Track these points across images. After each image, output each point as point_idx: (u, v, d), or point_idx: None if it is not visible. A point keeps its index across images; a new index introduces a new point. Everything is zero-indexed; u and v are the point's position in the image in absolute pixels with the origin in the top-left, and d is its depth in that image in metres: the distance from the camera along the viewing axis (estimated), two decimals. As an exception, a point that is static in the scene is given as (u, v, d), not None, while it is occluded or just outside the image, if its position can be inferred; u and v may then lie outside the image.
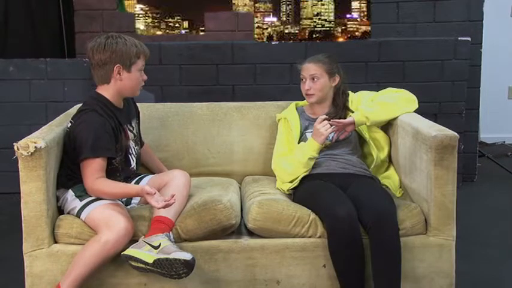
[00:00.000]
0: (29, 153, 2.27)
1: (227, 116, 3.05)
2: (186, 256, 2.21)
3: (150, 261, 2.21)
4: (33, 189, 2.31)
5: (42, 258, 2.37)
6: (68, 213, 2.46)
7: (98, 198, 2.39)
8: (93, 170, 2.36)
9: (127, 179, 2.59)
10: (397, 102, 2.73)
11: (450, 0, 4.40)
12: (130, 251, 2.26)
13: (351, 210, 2.36)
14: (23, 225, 2.35)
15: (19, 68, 4.26)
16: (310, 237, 2.44)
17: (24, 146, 2.28)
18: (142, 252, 2.24)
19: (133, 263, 2.25)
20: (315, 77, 2.73)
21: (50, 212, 2.37)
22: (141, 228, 2.39)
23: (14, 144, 2.30)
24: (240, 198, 2.71)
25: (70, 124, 2.49)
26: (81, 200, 2.40)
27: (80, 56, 4.47)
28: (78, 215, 2.40)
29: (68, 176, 2.47)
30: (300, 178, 2.65)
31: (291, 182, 2.67)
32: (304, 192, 2.59)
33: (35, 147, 2.27)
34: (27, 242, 2.36)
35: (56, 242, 2.41)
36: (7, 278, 2.85)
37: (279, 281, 2.45)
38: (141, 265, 2.24)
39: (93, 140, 2.35)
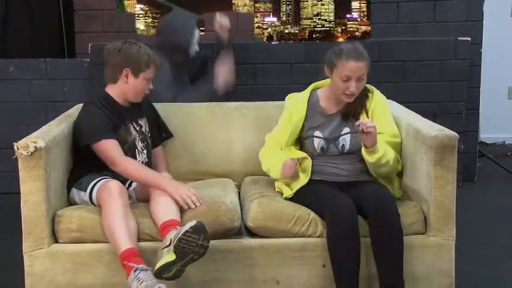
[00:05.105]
0: (29, 153, 2.27)
1: (227, 116, 3.05)
2: (191, 224, 2.19)
3: (174, 256, 2.19)
4: (33, 189, 2.31)
5: (42, 258, 2.37)
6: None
7: (96, 181, 2.48)
8: (110, 151, 2.47)
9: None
10: (388, 170, 2.55)
11: (450, 0, 4.39)
12: (157, 267, 2.22)
13: (350, 203, 2.37)
14: (22, 225, 2.36)
15: (19, 68, 4.26)
16: (310, 236, 2.44)
17: (24, 145, 2.28)
18: (164, 257, 2.22)
19: (166, 275, 2.21)
20: (363, 77, 2.50)
21: (49, 212, 2.37)
22: (143, 227, 2.39)
23: (14, 144, 2.30)
24: (238, 198, 2.70)
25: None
26: (85, 190, 2.50)
27: (80, 56, 4.46)
28: (92, 203, 2.49)
29: (74, 179, 2.57)
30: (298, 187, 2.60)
31: (291, 189, 2.62)
32: (304, 191, 2.57)
33: (35, 147, 2.27)
34: (27, 242, 2.37)
35: (57, 241, 2.42)
36: (7, 278, 2.85)
37: (279, 280, 2.45)
38: (174, 267, 2.20)
39: (92, 124, 2.52)
